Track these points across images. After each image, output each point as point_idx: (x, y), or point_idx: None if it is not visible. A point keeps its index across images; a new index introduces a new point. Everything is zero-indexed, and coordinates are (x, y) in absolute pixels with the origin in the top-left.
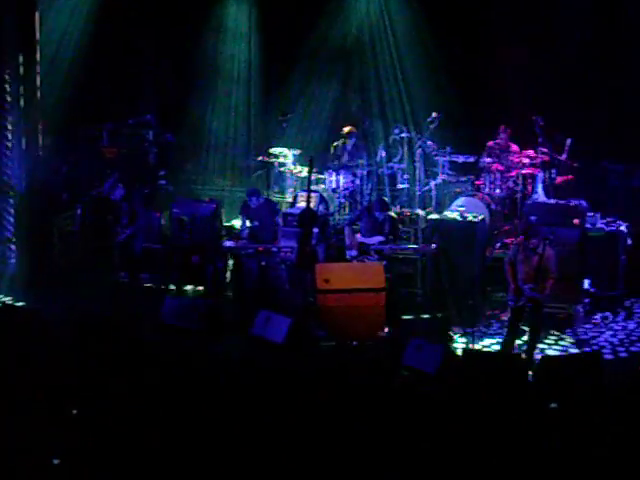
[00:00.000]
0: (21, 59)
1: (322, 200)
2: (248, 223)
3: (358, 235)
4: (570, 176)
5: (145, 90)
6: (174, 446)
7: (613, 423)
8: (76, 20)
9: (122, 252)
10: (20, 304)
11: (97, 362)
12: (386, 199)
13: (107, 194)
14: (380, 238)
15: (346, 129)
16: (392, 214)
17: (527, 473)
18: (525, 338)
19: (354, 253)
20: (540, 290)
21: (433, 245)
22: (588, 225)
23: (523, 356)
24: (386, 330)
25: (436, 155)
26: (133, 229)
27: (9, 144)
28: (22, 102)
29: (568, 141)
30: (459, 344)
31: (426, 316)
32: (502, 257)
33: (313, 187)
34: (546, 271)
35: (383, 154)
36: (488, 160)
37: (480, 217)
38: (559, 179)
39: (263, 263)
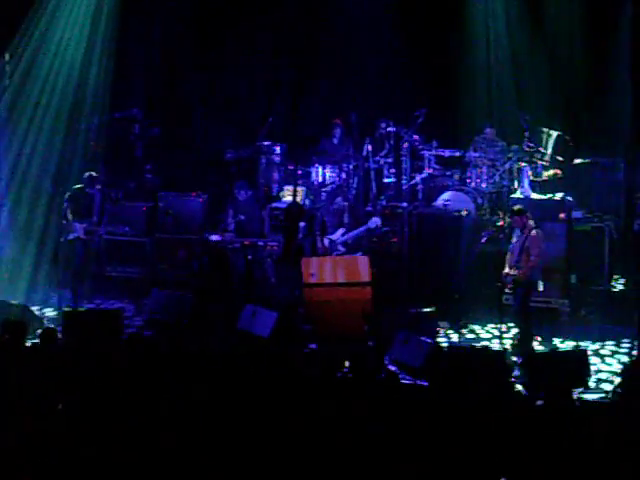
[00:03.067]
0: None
1: None
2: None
3: (326, 238)
4: (558, 170)
5: (132, 84)
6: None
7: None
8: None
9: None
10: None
11: (83, 358)
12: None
13: (86, 186)
14: (342, 230)
15: (332, 122)
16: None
17: (511, 470)
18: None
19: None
20: (520, 269)
21: (375, 219)
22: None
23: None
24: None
25: (422, 149)
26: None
27: None
28: (8, 95)
29: (554, 135)
30: (445, 339)
31: (412, 310)
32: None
33: None
34: (528, 252)
35: (369, 148)
36: (474, 154)
37: (466, 211)
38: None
39: (249, 257)
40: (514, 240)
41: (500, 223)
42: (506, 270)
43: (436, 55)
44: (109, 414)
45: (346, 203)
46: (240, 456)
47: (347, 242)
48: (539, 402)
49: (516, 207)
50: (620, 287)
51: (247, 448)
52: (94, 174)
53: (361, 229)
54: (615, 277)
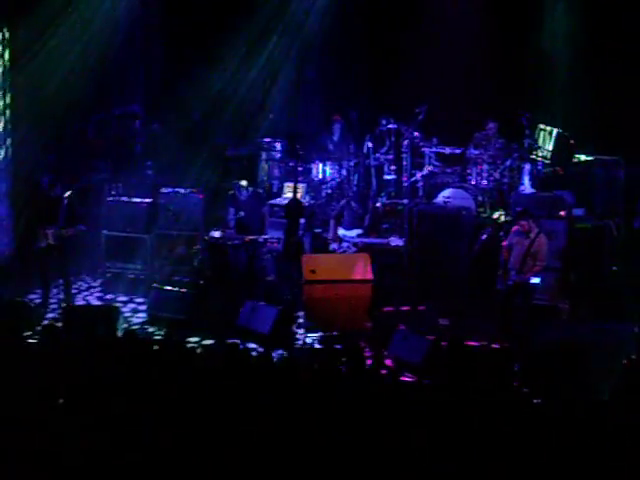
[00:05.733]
0: (7, 51)
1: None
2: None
3: (340, 228)
4: (558, 168)
5: (132, 79)
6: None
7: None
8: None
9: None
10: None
11: (84, 353)
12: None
13: (47, 190)
14: (358, 231)
15: (332, 118)
16: (376, 205)
17: (510, 468)
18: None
19: (335, 246)
20: (524, 273)
21: (394, 238)
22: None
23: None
24: (372, 321)
25: (423, 146)
26: (74, 232)
27: None
28: (7, 94)
29: (554, 132)
30: (444, 335)
31: (412, 307)
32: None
33: None
34: (534, 257)
35: (370, 145)
36: (475, 152)
37: (466, 208)
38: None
39: (250, 254)
40: (512, 239)
41: (500, 220)
42: (505, 271)
43: (436, 51)
44: (109, 409)
45: (371, 205)
46: (240, 455)
47: (357, 244)
48: (536, 400)
49: (520, 210)
50: (620, 285)
51: (245, 446)
52: (53, 177)
53: (378, 241)
54: (615, 275)
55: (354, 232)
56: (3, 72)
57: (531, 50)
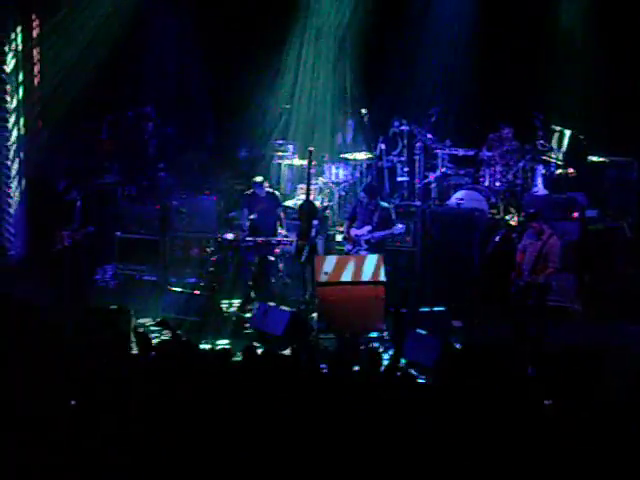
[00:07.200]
0: (20, 50)
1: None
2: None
3: (353, 228)
4: (571, 169)
5: (145, 82)
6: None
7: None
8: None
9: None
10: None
11: (94, 353)
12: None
13: (62, 193)
14: (368, 228)
15: (345, 124)
16: (384, 204)
17: (522, 470)
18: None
19: (349, 247)
20: (537, 275)
21: (400, 225)
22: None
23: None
24: (385, 323)
25: (436, 148)
26: (83, 234)
27: (10, 136)
28: (21, 95)
29: (568, 134)
30: (458, 337)
31: (425, 309)
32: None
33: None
34: (546, 258)
35: (383, 147)
36: (488, 153)
37: (479, 209)
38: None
39: (263, 255)
40: (525, 241)
41: (513, 222)
42: (519, 273)
43: (449, 53)
44: (119, 411)
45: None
46: (250, 455)
47: (370, 241)
48: (548, 402)
49: (531, 212)
50: (634, 286)
51: (256, 447)
52: (69, 181)
53: (386, 233)
54: (628, 276)
55: (364, 230)
56: (16, 72)
57: (544, 51)
